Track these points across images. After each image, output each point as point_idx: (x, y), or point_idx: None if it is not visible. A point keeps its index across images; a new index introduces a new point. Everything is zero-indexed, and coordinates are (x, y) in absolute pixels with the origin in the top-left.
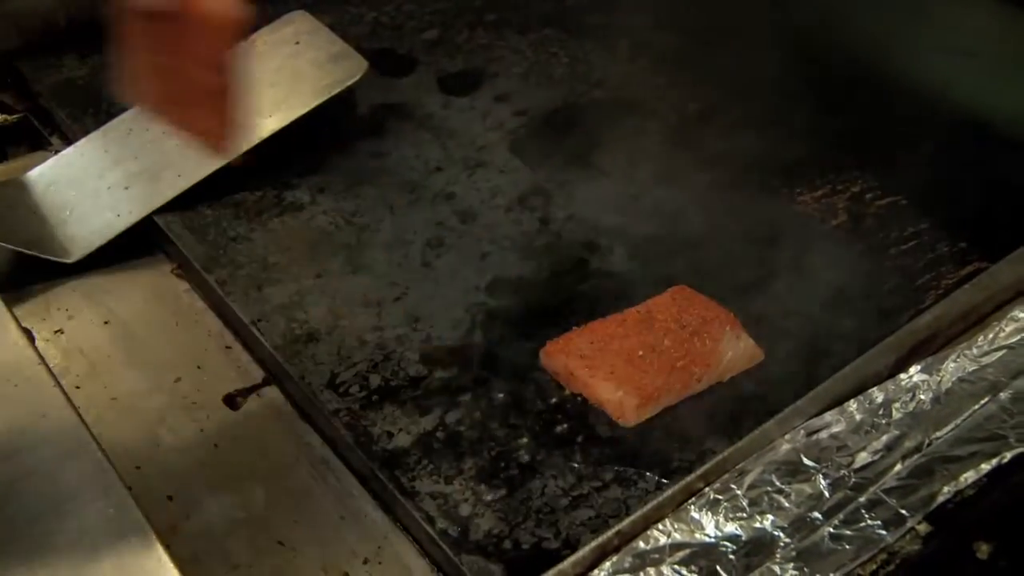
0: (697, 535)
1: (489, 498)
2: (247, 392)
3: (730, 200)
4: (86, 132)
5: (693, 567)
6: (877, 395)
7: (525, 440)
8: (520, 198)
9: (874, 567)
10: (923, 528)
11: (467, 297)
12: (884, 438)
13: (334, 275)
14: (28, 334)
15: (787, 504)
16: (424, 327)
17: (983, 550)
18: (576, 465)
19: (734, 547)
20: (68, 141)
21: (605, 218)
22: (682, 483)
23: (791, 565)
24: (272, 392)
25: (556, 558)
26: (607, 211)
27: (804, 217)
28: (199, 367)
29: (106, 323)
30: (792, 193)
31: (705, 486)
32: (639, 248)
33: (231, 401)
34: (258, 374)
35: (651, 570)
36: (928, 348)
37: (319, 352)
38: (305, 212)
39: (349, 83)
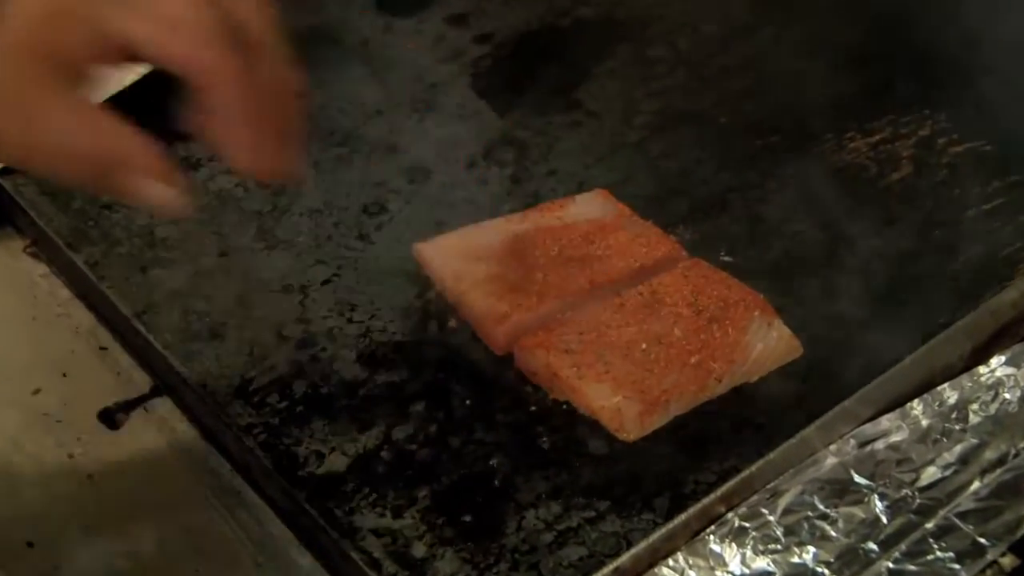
0: (718, 573)
1: (450, 535)
2: (130, 406)
3: (757, 148)
4: None
5: None
6: (949, 394)
7: (495, 460)
8: (485, 150)
9: None
10: (1008, 561)
11: (418, 279)
12: (958, 448)
13: (243, 252)
14: None
15: (833, 533)
16: (362, 317)
17: None
18: (562, 491)
19: None
20: None
21: (594, 173)
22: (698, 507)
23: None
24: (163, 405)
25: None
26: (597, 165)
27: (856, 168)
28: (65, 375)
29: None
30: (840, 138)
31: (728, 511)
32: (639, 211)
33: (109, 418)
34: (144, 382)
35: None
36: (1014, 334)
37: (225, 352)
38: (203, 170)
39: None
